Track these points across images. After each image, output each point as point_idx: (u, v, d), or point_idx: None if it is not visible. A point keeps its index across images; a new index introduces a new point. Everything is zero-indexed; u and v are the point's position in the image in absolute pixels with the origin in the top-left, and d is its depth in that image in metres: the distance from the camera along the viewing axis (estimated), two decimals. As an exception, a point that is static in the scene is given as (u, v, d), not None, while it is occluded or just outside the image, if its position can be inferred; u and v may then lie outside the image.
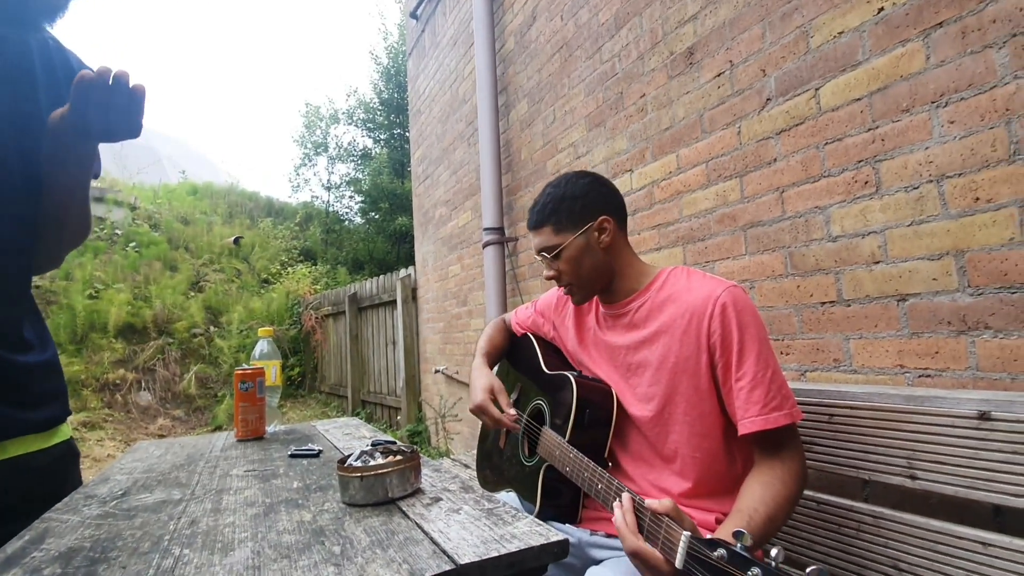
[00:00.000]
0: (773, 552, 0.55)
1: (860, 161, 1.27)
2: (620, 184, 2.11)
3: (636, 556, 0.72)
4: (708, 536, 0.64)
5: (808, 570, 0.52)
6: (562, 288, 1.12)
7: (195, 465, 1.07)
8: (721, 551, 0.59)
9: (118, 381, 5.98)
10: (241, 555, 0.60)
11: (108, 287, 6.83)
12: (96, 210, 8.21)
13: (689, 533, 0.65)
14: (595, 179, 1.09)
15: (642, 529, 0.73)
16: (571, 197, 1.06)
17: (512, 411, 1.13)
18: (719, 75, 1.66)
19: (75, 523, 0.75)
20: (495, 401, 1.15)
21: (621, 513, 0.75)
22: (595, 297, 1.17)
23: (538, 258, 1.12)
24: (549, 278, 1.10)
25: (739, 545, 0.59)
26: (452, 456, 3.92)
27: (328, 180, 12.56)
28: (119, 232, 8.11)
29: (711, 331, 0.92)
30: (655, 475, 1.00)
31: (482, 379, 1.19)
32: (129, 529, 0.71)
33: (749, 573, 0.56)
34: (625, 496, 0.77)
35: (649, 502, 0.72)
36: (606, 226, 1.05)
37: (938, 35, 1.12)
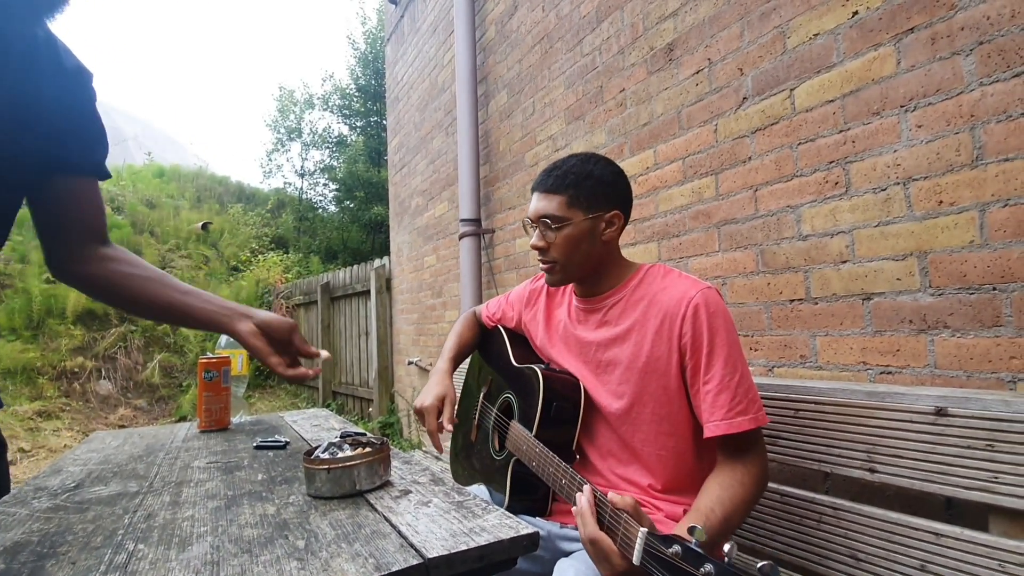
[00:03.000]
0: (726, 548, 0.56)
1: (831, 162, 1.29)
2: (597, 178, 2.11)
3: (593, 544, 0.72)
4: (664, 533, 0.64)
5: (759, 565, 0.53)
6: (544, 262, 1.05)
7: (154, 456, 1.03)
8: (676, 547, 0.60)
9: (76, 369, 5.76)
10: (199, 550, 0.58)
11: (67, 271, 6.55)
12: (54, 190, 7.83)
13: (646, 530, 0.65)
14: (622, 172, 1.06)
15: (602, 523, 0.73)
16: (596, 179, 1.02)
17: (450, 426, 1.10)
18: (698, 72, 1.67)
19: (23, 516, 0.71)
20: (440, 411, 1.11)
21: (584, 500, 0.75)
22: (569, 288, 1.16)
23: (529, 221, 1.05)
24: (536, 247, 1.03)
25: (694, 541, 0.59)
26: (424, 448, 3.90)
27: (302, 167, 12.27)
28: (79, 214, 7.77)
29: (682, 333, 0.92)
30: (623, 469, 1.01)
31: (438, 387, 1.15)
32: (81, 523, 0.68)
33: (702, 569, 0.56)
34: (587, 487, 0.77)
35: (611, 496, 0.71)
36: (615, 221, 1.03)
37: (909, 40, 1.15)
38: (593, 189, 1.01)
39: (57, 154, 0.85)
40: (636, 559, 0.65)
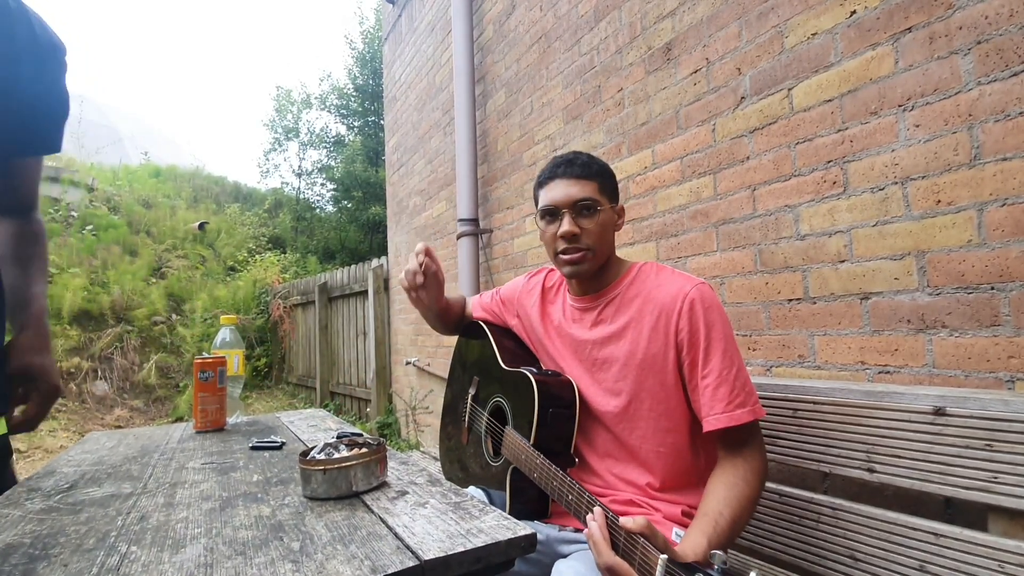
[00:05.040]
0: (752, 575, 0.56)
1: (829, 161, 1.29)
2: (595, 178, 2.11)
3: (611, 572, 0.70)
4: (684, 561, 0.63)
5: None
6: (574, 252, 1.00)
7: (149, 457, 1.02)
8: None
9: (72, 370, 5.73)
10: (193, 552, 0.57)
11: (62, 271, 6.53)
12: (51, 190, 7.82)
13: (666, 556, 0.63)
14: None
15: (617, 547, 0.71)
16: (609, 173, 1.06)
17: (422, 276, 1.11)
18: (696, 72, 1.67)
19: (15, 518, 0.70)
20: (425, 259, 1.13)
21: (596, 527, 0.73)
22: (563, 286, 1.15)
23: (550, 210, 1.02)
24: (567, 233, 0.99)
25: (716, 567, 0.58)
26: (422, 449, 3.89)
27: (299, 166, 12.24)
28: (75, 214, 7.75)
29: (679, 328, 0.93)
30: (620, 468, 1.00)
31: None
32: (73, 524, 0.67)
33: None
34: (598, 510, 0.75)
35: (623, 520, 0.69)
36: (622, 214, 1.09)
37: (907, 40, 1.15)
38: (611, 182, 1.06)
39: (27, 138, 0.83)
40: None
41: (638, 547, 0.68)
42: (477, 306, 1.36)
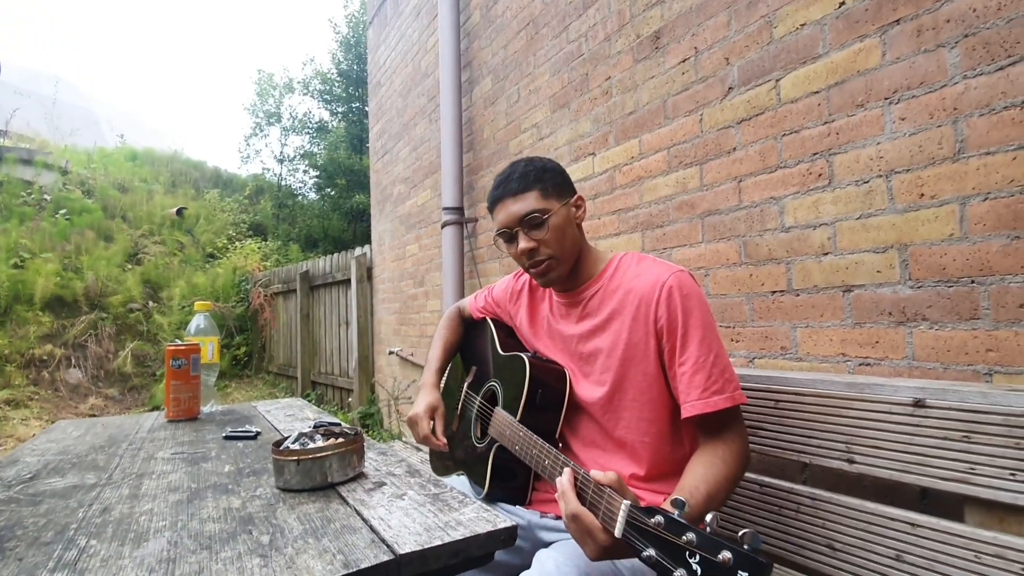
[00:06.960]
0: (708, 518, 0.56)
1: (815, 154, 1.29)
2: (582, 168, 2.09)
3: (575, 520, 0.71)
4: (648, 505, 0.64)
5: (741, 533, 0.52)
6: (539, 265, 1.02)
7: (116, 447, 0.99)
8: (658, 518, 0.60)
9: (45, 357, 5.58)
10: (155, 546, 0.55)
11: (35, 256, 6.33)
12: (23, 173, 7.57)
13: (629, 502, 0.65)
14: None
15: (584, 500, 0.72)
16: (552, 169, 1.05)
17: (443, 439, 1.12)
18: (684, 61, 1.66)
19: (-31, 511, 0.67)
20: (433, 421, 1.14)
21: (565, 480, 0.75)
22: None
23: (506, 232, 1.03)
24: (525, 251, 1.00)
25: (677, 512, 0.59)
26: (404, 439, 3.87)
27: (281, 152, 11.99)
28: (48, 197, 7.50)
29: (658, 316, 0.93)
30: (606, 459, 1.00)
31: (429, 397, 1.17)
32: (32, 516, 0.64)
33: (684, 537, 0.56)
34: (567, 469, 0.77)
35: (594, 473, 0.71)
36: (581, 204, 1.07)
37: (895, 32, 1.14)
38: (555, 178, 1.04)
39: None
40: (618, 531, 0.64)
41: (604, 497, 0.69)
42: (473, 309, 1.36)
